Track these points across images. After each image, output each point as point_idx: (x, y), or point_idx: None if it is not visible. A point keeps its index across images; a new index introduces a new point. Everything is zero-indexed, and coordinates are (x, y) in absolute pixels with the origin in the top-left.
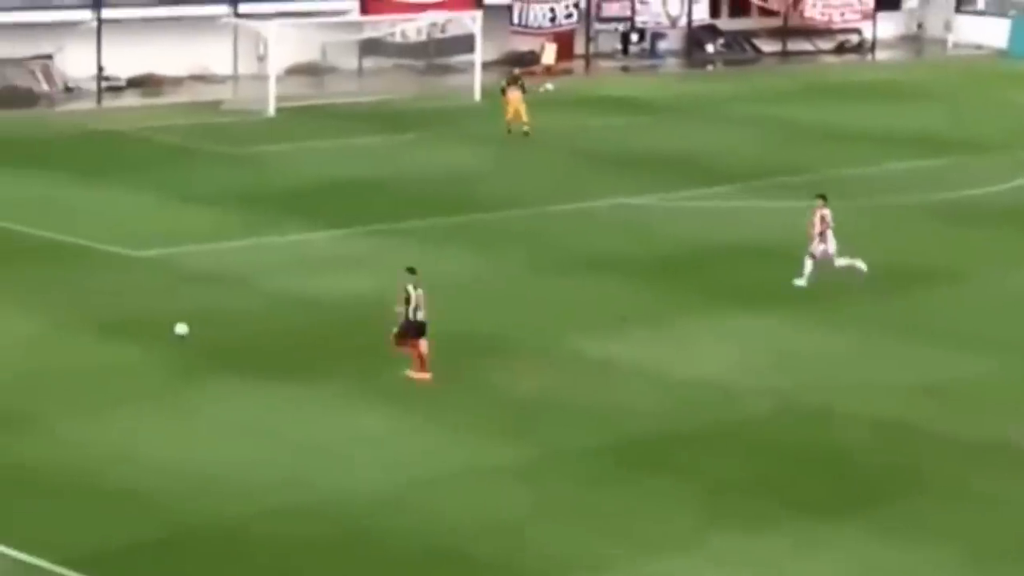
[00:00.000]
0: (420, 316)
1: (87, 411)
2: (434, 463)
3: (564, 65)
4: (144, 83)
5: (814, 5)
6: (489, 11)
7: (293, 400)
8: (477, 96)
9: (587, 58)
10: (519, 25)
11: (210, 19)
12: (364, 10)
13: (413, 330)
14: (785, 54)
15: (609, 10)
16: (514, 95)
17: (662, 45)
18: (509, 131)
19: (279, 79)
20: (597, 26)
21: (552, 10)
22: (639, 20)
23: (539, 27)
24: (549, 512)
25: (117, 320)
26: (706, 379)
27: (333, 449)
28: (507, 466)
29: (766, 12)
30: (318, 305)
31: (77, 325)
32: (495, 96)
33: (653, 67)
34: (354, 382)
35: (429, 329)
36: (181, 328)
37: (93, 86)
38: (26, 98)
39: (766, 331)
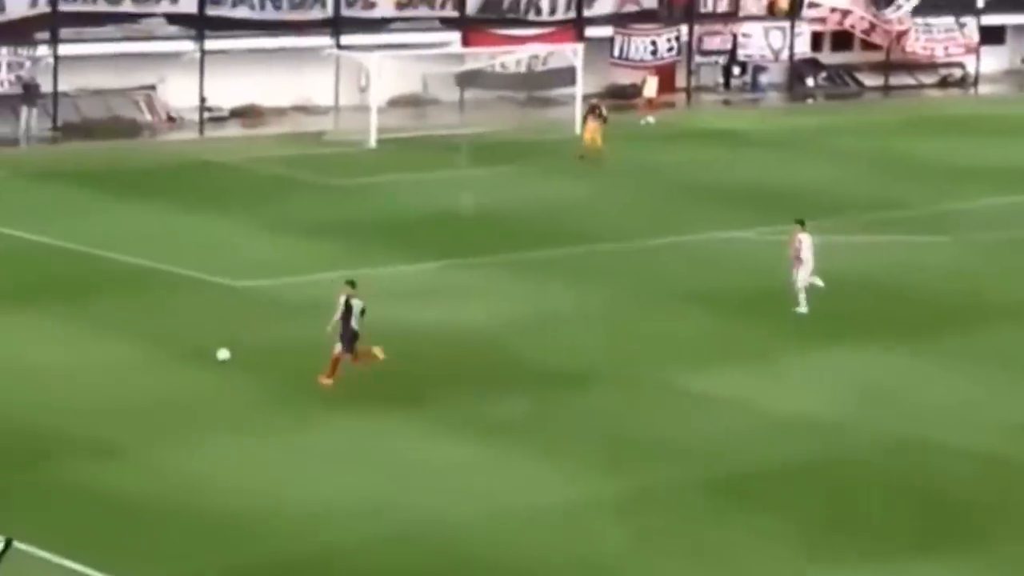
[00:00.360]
0: (355, 326)
1: (183, 439)
2: (529, 495)
3: (665, 98)
4: (246, 114)
5: (917, 39)
6: (591, 44)
7: (389, 429)
8: (577, 129)
9: (688, 91)
10: (620, 58)
11: (313, 50)
12: (465, 42)
13: (348, 339)
14: (887, 88)
15: (711, 43)
16: (592, 124)
17: (763, 78)
18: (581, 157)
19: (380, 110)
20: (698, 59)
21: (654, 43)
22: (741, 53)
23: (640, 60)
24: (644, 547)
25: (213, 349)
26: (802, 413)
27: (428, 478)
28: (602, 499)
29: (869, 46)
30: (415, 336)
31: (175, 353)
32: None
33: (754, 100)
34: (450, 412)
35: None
36: (223, 354)
37: (196, 116)
38: (129, 128)
39: (863, 365)
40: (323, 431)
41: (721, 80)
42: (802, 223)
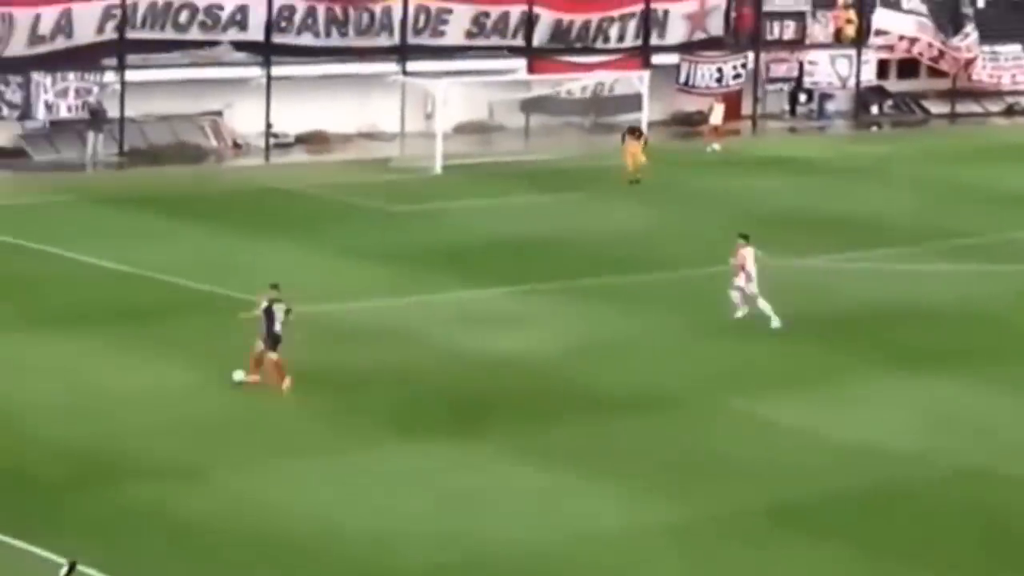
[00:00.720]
0: (278, 329)
1: (246, 462)
2: (591, 521)
3: (731, 125)
4: (312, 140)
5: (983, 67)
6: (657, 71)
7: (452, 454)
8: (643, 156)
9: (754, 119)
10: (686, 85)
11: (379, 77)
12: (531, 69)
13: (270, 341)
14: (954, 116)
15: (777, 71)
16: (633, 147)
17: (830, 106)
18: (630, 181)
19: (446, 137)
20: (765, 87)
21: (720, 70)
22: (807, 81)
23: (706, 87)
24: (706, 573)
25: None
26: (867, 441)
27: (490, 505)
28: (665, 525)
29: (935, 74)
30: (480, 362)
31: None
32: (660, 157)
33: (820, 128)
34: (512, 438)
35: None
36: (238, 375)
37: (261, 142)
38: (195, 154)
39: (930, 393)
40: (385, 456)
41: (787, 107)
42: (746, 237)
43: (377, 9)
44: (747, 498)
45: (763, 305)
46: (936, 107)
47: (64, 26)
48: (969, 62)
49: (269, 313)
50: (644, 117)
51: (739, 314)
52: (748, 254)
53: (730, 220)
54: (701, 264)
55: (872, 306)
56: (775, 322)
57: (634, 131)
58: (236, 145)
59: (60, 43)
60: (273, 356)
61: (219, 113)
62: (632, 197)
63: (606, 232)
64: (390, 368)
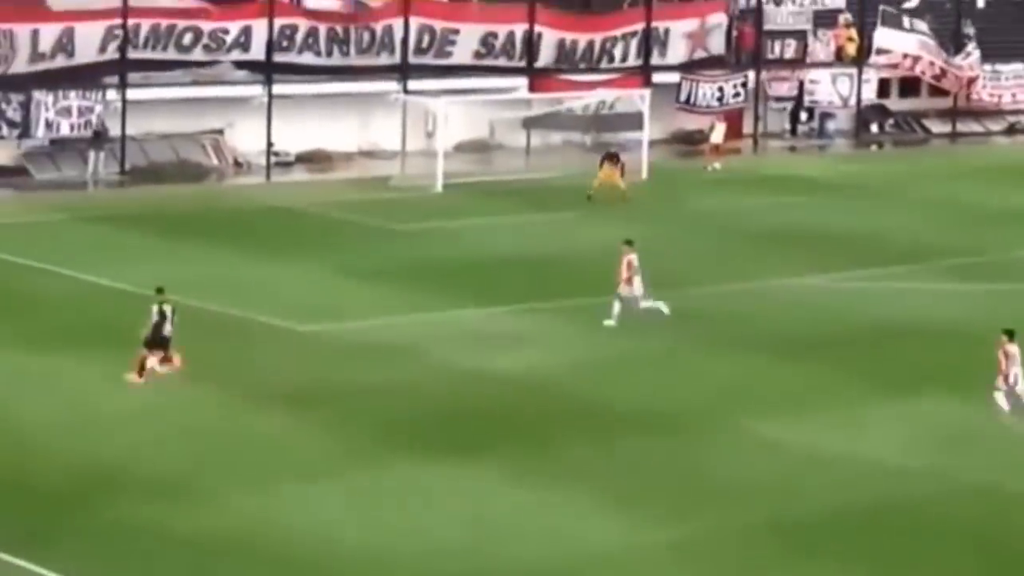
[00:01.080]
0: (167, 332)
1: (251, 481)
2: (597, 540)
3: (732, 144)
4: (313, 158)
5: (984, 86)
6: (658, 89)
7: (458, 473)
8: (644, 174)
9: (755, 137)
10: (687, 103)
11: (379, 95)
12: (532, 87)
13: (157, 342)
14: (955, 135)
15: (778, 89)
16: (608, 171)
17: (831, 125)
18: (588, 198)
19: (447, 155)
20: (766, 105)
21: (720, 89)
22: (808, 99)
23: (707, 106)
24: None
25: (281, 393)
26: (870, 459)
27: (497, 524)
28: (667, 544)
29: (936, 93)
30: (482, 381)
31: (242, 397)
32: (662, 175)
33: (821, 147)
34: (518, 457)
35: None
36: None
37: (262, 161)
38: (196, 173)
39: (931, 411)
40: (388, 475)
41: (788, 126)
42: (630, 243)
43: (378, 28)
44: (751, 516)
45: (649, 304)
46: (937, 126)
47: (65, 44)
48: (971, 81)
49: (162, 314)
50: (645, 135)
51: (609, 322)
52: (633, 260)
53: (731, 239)
54: (702, 283)
55: (874, 325)
56: (664, 309)
57: (612, 156)
58: (237, 163)
59: (60, 61)
60: (151, 356)
61: (220, 131)
62: (633, 216)
63: (607, 251)
64: (392, 386)
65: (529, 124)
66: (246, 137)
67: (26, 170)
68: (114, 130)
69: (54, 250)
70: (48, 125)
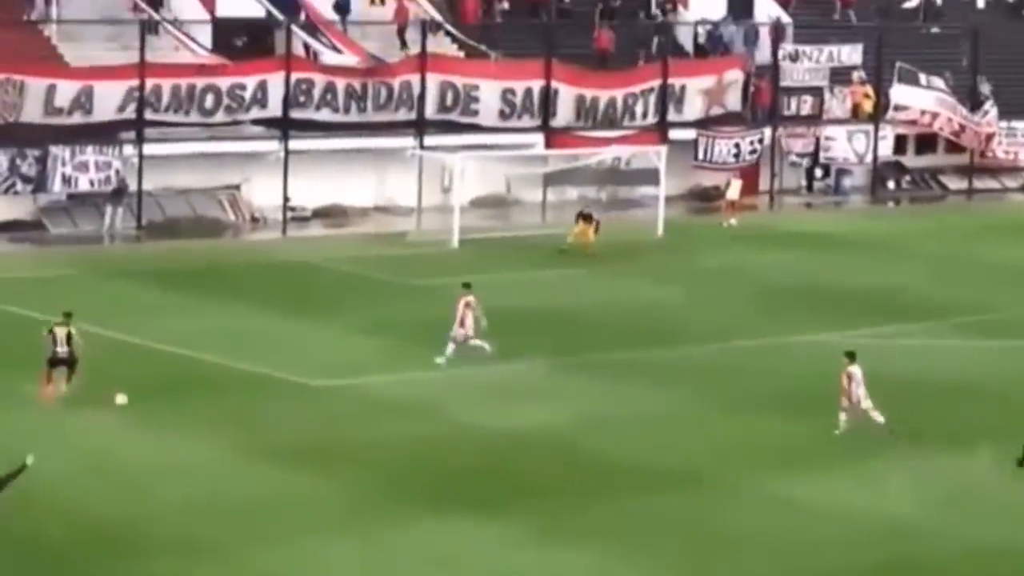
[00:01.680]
0: (61, 352)
1: (271, 539)
2: None
3: (748, 200)
4: (329, 214)
5: (999, 143)
6: (674, 145)
7: (475, 532)
8: (660, 231)
9: (771, 194)
10: (704, 160)
11: (396, 151)
12: (549, 143)
13: (58, 362)
14: (971, 192)
15: (794, 146)
16: (580, 228)
17: (847, 181)
18: (562, 251)
19: (463, 211)
20: (783, 161)
21: (737, 145)
22: (824, 156)
23: (724, 162)
24: None
25: (298, 449)
26: (886, 516)
27: None
28: None
29: (952, 150)
30: (498, 437)
31: (259, 453)
32: (678, 231)
33: (838, 203)
34: (534, 514)
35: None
36: (121, 399)
37: (279, 216)
38: (213, 228)
39: (944, 468)
40: (410, 532)
41: (804, 183)
42: (468, 286)
43: (396, 84)
44: (764, 572)
45: (476, 343)
46: (954, 183)
47: (84, 102)
48: (988, 138)
49: (53, 336)
50: (661, 191)
51: (441, 360)
52: (471, 302)
53: (746, 295)
54: (719, 339)
55: (888, 382)
56: (487, 348)
57: (586, 216)
58: (254, 219)
59: (78, 118)
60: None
61: (237, 187)
62: (648, 272)
63: (624, 306)
64: (408, 442)
65: (546, 181)
66: (263, 192)
67: (42, 224)
68: (131, 185)
69: (71, 305)
70: (65, 180)
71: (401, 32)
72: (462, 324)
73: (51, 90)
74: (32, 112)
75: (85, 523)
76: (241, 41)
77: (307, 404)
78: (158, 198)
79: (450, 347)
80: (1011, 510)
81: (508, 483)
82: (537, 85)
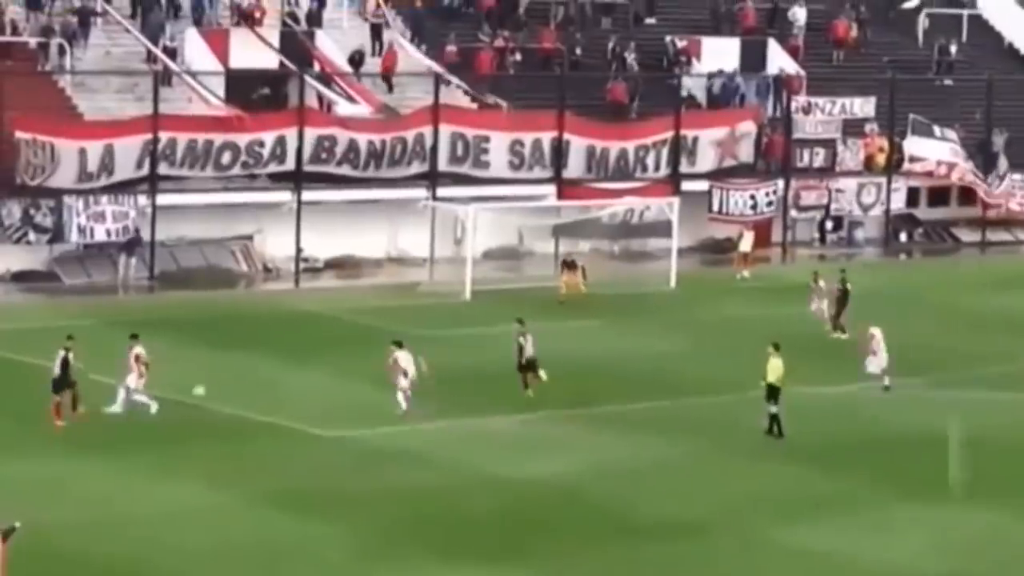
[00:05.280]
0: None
1: None
2: None
3: (761, 253)
4: (342, 265)
5: (1012, 196)
6: (686, 197)
7: None
8: (672, 283)
9: (784, 246)
10: (718, 212)
11: (408, 202)
12: (561, 195)
13: (61, 384)
14: (984, 244)
15: (807, 198)
16: (568, 277)
17: (859, 233)
18: (560, 303)
19: (475, 262)
20: (794, 214)
21: (752, 197)
22: (836, 208)
23: (740, 215)
24: None
25: (306, 497)
26: (899, 567)
27: None
28: None
29: (965, 202)
30: (510, 487)
31: (266, 501)
32: (691, 283)
33: (850, 256)
34: (545, 564)
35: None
36: (199, 390)
37: (291, 267)
38: (226, 278)
39: (961, 519)
40: None
41: (817, 235)
42: (136, 336)
43: (410, 137)
44: None
45: (143, 399)
46: (966, 235)
47: (108, 164)
48: (1007, 200)
49: (65, 361)
50: (674, 244)
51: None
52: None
53: (758, 347)
54: (731, 390)
55: (901, 433)
56: (153, 408)
57: (570, 264)
58: (266, 269)
59: (103, 180)
60: (57, 398)
61: (250, 237)
62: (661, 324)
63: (636, 358)
64: (418, 492)
65: (558, 233)
66: (275, 243)
67: (56, 275)
68: (144, 235)
69: (84, 355)
70: (81, 230)
71: (387, 78)
72: (139, 375)
73: (82, 155)
74: (64, 176)
75: (91, 571)
76: (255, 93)
77: (314, 453)
78: (171, 249)
79: (121, 394)
80: (1017, 561)
81: (517, 532)
82: (547, 136)
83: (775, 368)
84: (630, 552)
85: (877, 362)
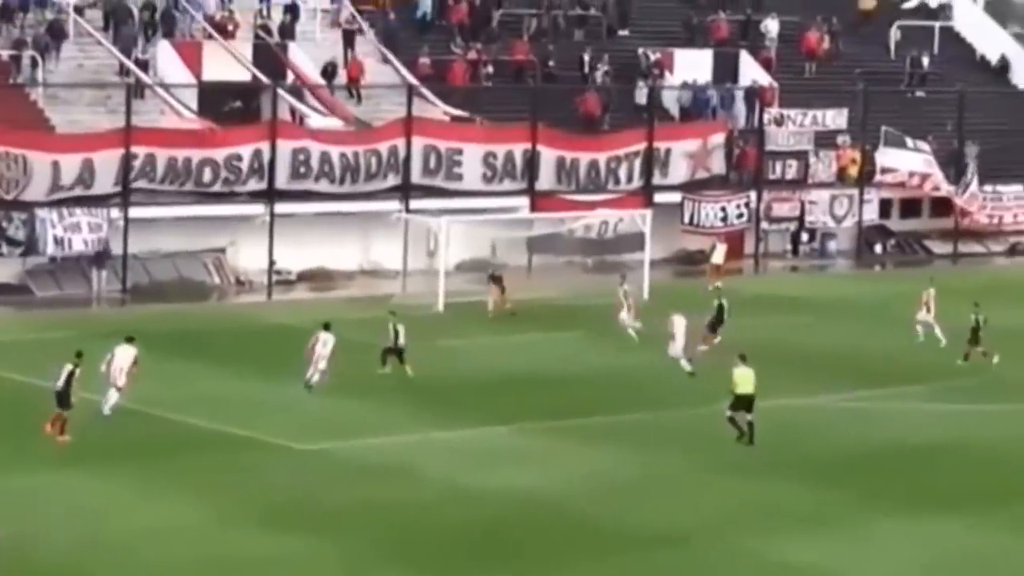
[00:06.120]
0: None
1: None
2: None
3: (733, 264)
4: (314, 277)
5: (984, 207)
6: (660, 209)
7: None
8: (646, 295)
9: (756, 258)
10: (691, 224)
11: (381, 215)
12: (534, 207)
13: (66, 399)
14: (956, 256)
15: (779, 210)
16: (495, 292)
17: (832, 245)
18: (512, 313)
19: (448, 274)
20: (767, 226)
21: (724, 209)
22: (809, 220)
23: (711, 226)
24: None
25: (286, 512)
26: None
27: None
28: None
29: (937, 213)
30: (484, 500)
31: (245, 516)
32: (664, 295)
33: (822, 267)
34: None
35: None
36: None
37: (264, 279)
38: (198, 291)
39: (932, 532)
40: None
41: (789, 247)
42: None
43: (383, 149)
44: None
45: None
46: (939, 247)
47: (86, 178)
48: (965, 212)
49: (71, 375)
50: (646, 256)
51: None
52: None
53: (731, 358)
54: (704, 402)
55: (874, 447)
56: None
57: (496, 278)
58: (239, 282)
59: (79, 191)
60: (62, 413)
61: (222, 250)
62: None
63: (609, 370)
64: (394, 505)
65: (532, 246)
66: (248, 255)
67: (28, 288)
68: (117, 248)
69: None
70: (58, 242)
71: (354, 84)
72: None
73: (55, 168)
74: (37, 191)
75: None
76: (228, 105)
77: (293, 467)
78: (144, 261)
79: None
80: (995, 573)
81: (497, 545)
82: (519, 149)
83: (745, 377)
84: (611, 565)
85: (675, 347)
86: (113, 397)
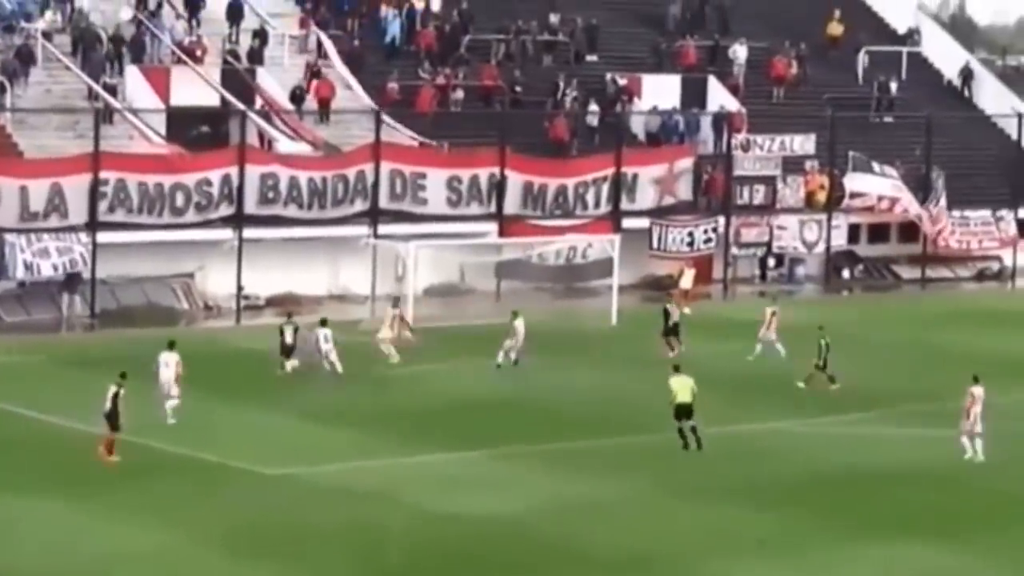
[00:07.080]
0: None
1: None
2: None
3: (702, 289)
4: (283, 302)
5: (952, 233)
6: (628, 235)
7: None
8: (614, 320)
9: (725, 283)
10: (658, 249)
11: (349, 239)
12: (502, 232)
13: (116, 419)
14: (924, 280)
15: (748, 235)
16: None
17: (800, 270)
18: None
19: (416, 300)
20: (735, 251)
21: (691, 234)
22: (777, 245)
23: (677, 251)
24: None
25: (255, 537)
26: None
27: None
28: None
29: (906, 238)
30: (451, 524)
31: (215, 541)
32: (632, 320)
33: (791, 292)
34: None
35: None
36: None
37: (232, 304)
38: (167, 316)
39: (906, 556)
40: None
41: (758, 272)
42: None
43: (351, 174)
44: None
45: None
46: (907, 272)
47: (59, 206)
48: (939, 229)
49: (115, 399)
50: (615, 281)
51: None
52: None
53: (700, 384)
54: (672, 428)
55: (844, 470)
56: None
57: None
58: (207, 307)
59: (54, 222)
60: (113, 435)
61: (191, 275)
62: (602, 361)
63: (577, 395)
64: (361, 530)
65: (500, 271)
66: (216, 280)
67: None
68: (85, 273)
69: (23, 393)
70: (27, 267)
71: (324, 105)
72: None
73: (23, 193)
74: (5, 217)
75: None
76: (196, 130)
77: (262, 492)
78: (112, 286)
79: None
80: None
81: (463, 569)
82: (484, 172)
83: (683, 386)
84: None
85: (510, 344)
86: (172, 403)
